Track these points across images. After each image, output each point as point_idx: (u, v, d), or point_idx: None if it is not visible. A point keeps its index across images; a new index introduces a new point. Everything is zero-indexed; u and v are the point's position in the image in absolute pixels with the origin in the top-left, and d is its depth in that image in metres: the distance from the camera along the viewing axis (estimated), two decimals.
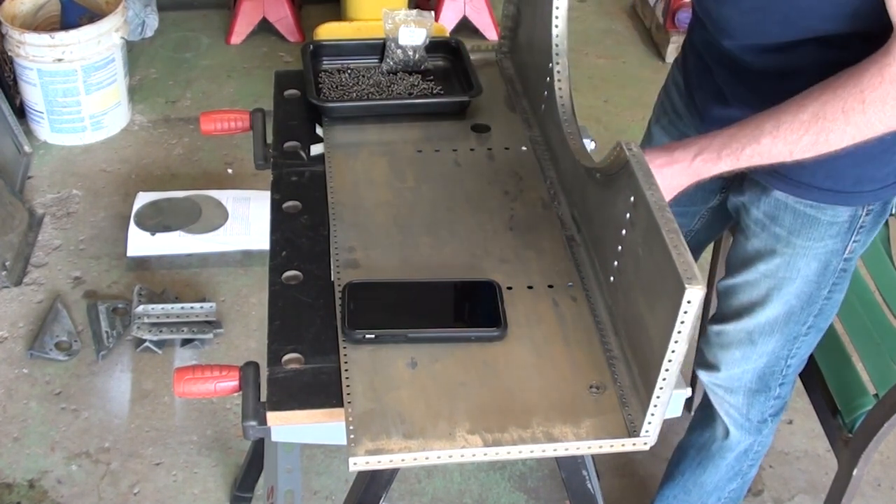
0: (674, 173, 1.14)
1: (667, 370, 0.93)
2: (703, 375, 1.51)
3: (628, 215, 1.01)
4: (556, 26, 1.26)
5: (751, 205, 1.32)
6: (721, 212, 1.47)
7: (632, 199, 1.00)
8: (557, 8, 1.25)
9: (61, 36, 2.71)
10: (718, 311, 1.45)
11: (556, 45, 1.27)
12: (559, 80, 1.28)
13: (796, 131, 1.08)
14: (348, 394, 1.01)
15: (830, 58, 1.12)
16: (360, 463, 0.96)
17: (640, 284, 0.99)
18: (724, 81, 1.28)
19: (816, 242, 1.29)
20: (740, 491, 1.69)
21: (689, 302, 0.86)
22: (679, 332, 0.89)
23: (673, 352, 0.91)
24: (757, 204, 1.31)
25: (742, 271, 1.37)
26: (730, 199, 1.38)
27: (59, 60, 2.72)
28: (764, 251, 1.33)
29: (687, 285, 0.86)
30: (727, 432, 1.56)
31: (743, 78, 1.24)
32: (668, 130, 1.46)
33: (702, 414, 1.63)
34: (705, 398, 1.58)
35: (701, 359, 1.51)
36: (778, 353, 1.43)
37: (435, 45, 1.55)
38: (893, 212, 1.51)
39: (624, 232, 1.04)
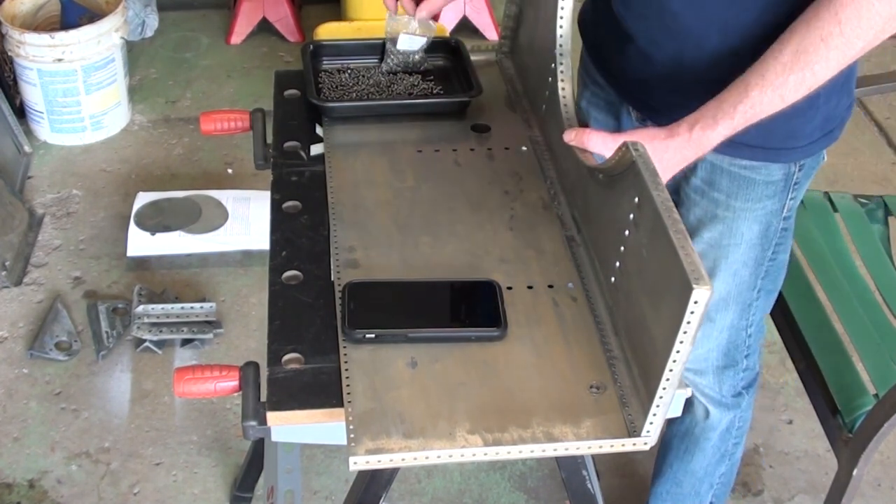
0: (677, 146, 1.14)
1: (670, 370, 0.93)
2: None
3: (632, 216, 1.01)
4: (561, 27, 1.26)
5: (689, 172, 1.33)
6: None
7: (636, 199, 1.00)
8: (563, 8, 1.25)
9: (61, 36, 2.71)
10: None
11: (560, 46, 1.26)
12: (562, 81, 1.28)
13: (781, 74, 1.09)
14: (348, 393, 1.01)
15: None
16: (360, 462, 0.96)
17: (644, 285, 0.99)
18: (657, 47, 1.28)
19: (755, 203, 1.31)
20: (730, 476, 1.70)
21: (695, 302, 0.87)
22: (685, 333, 0.89)
23: (678, 352, 0.91)
24: (693, 171, 1.32)
25: None
26: None
27: (59, 60, 2.72)
28: (705, 218, 1.34)
29: (695, 285, 0.86)
30: (707, 412, 1.57)
31: (670, 32, 1.24)
32: (595, 102, 1.46)
33: None
34: None
35: None
36: (736, 324, 1.44)
37: (435, 45, 1.54)
38: (890, 210, 1.51)
39: (627, 232, 1.04)
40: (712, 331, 1.45)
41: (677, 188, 1.37)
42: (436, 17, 1.53)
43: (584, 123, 1.52)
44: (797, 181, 1.32)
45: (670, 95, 1.27)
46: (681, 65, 1.24)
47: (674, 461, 1.69)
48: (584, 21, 1.45)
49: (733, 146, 1.24)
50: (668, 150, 1.14)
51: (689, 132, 1.14)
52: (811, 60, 1.07)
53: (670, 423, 1.68)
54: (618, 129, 1.44)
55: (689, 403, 1.59)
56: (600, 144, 1.17)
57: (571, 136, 1.20)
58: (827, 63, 1.08)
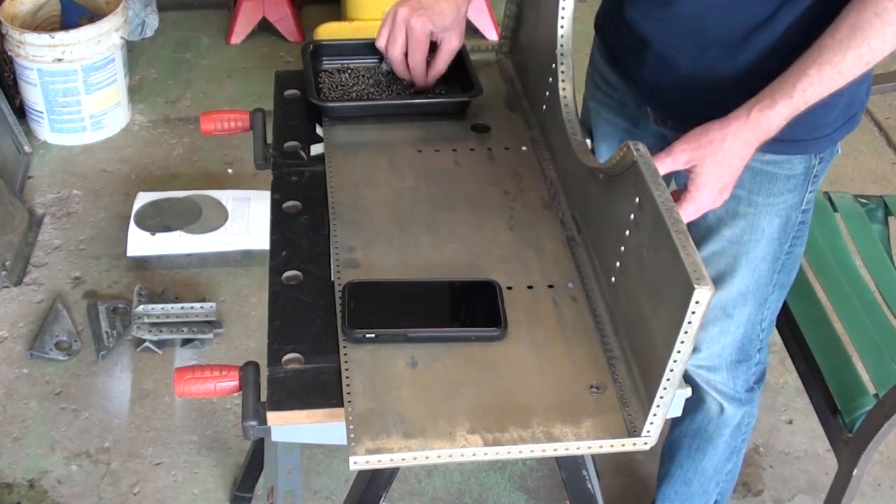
0: (735, 132, 1.12)
1: (671, 370, 0.93)
2: None
3: (633, 216, 1.01)
4: (562, 27, 1.26)
5: None
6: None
7: (637, 199, 1.00)
8: (563, 8, 1.25)
9: (61, 36, 2.71)
10: None
11: (561, 46, 1.26)
12: (563, 81, 1.28)
13: (838, 52, 1.09)
14: (348, 393, 1.01)
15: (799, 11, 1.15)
16: (361, 462, 0.96)
17: (644, 285, 0.99)
18: (677, 52, 1.27)
19: (776, 198, 1.31)
20: (735, 471, 1.71)
21: (697, 302, 0.87)
22: (686, 333, 0.89)
23: (678, 352, 0.91)
24: None
25: (708, 241, 1.38)
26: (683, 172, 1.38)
27: (59, 60, 2.73)
28: (726, 216, 1.34)
29: (696, 286, 0.86)
30: (721, 409, 1.57)
31: (690, 34, 1.24)
32: (606, 102, 1.46)
33: (687, 404, 1.63)
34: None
35: None
36: (752, 318, 1.44)
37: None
38: (890, 210, 1.51)
39: (627, 232, 1.04)
40: (730, 326, 1.44)
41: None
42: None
43: (588, 124, 1.52)
44: (816, 173, 1.32)
45: (695, 95, 1.26)
46: (707, 67, 1.23)
47: (684, 461, 1.68)
48: (600, 24, 1.44)
49: None
50: (725, 138, 1.12)
51: (747, 115, 1.12)
52: (867, 36, 1.08)
53: (678, 424, 1.68)
54: (629, 129, 1.44)
55: (699, 401, 1.60)
56: (693, 209, 1.17)
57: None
58: (883, 38, 1.09)
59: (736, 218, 1.34)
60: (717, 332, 1.45)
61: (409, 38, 1.37)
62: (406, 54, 1.39)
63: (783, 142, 1.24)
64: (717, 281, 1.40)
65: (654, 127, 1.38)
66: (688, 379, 1.57)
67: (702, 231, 1.38)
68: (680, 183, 1.42)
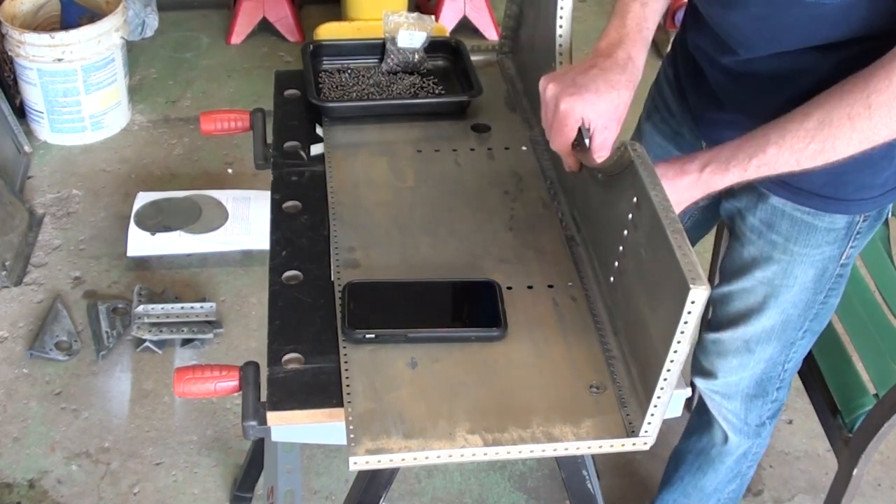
0: (686, 186, 1.12)
1: (668, 370, 0.93)
2: (699, 382, 1.51)
3: (631, 216, 1.01)
4: (561, 26, 1.26)
5: (747, 211, 1.31)
6: (710, 211, 1.46)
7: (635, 199, 1.00)
8: (562, 8, 1.25)
9: (61, 36, 2.71)
10: (714, 319, 1.45)
11: (560, 45, 1.26)
12: None
13: (802, 139, 1.07)
14: (348, 393, 1.01)
15: (830, 60, 1.11)
16: (361, 462, 0.96)
17: (642, 285, 0.99)
18: (719, 86, 1.27)
19: (814, 249, 1.28)
20: (739, 491, 1.69)
21: (692, 302, 0.87)
22: (682, 333, 0.89)
23: (675, 352, 0.91)
24: (753, 211, 1.30)
25: (738, 278, 1.36)
26: (723, 205, 1.37)
27: (59, 60, 2.72)
28: (760, 258, 1.32)
29: (692, 286, 0.86)
30: (726, 437, 1.56)
31: (740, 83, 1.23)
32: (660, 128, 1.44)
33: (699, 419, 1.63)
34: (701, 402, 1.58)
35: (697, 366, 1.50)
36: (775, 359, 1.42)
37: (435, 45, 1.55)
38: (891, 213, 1.51)
39: (626, 232, 1.04)
40: (749, 361, 1.42)
41: (733, 222, 1.35)
42: (436, 16, 1.53)
43: (639, 140, 1.49)
44: (860, 231, 1.28)
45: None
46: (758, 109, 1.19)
47: (685, 475, 1.68)
48: (674, 51, 1.42)
49: (802, 195, 1.23)
50: (675, 189, 1.11)
51: (699, 172, 1.11)
52: (834, 135, 1.06)
53: (687, 437, 1.67)
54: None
55: (708, 424, 1.59)
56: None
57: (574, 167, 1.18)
58: (849, 142, 1.06)
59: (770, 262, 1.31)
60: (736, 364, 1.43)
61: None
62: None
63: (826, 198, 1.22)
64: (744, 316, 1.38)
65: None
66: (702, 403, 1.56)
67: (735, 267, 1.36)
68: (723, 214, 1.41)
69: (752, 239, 1.32)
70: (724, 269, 1.40)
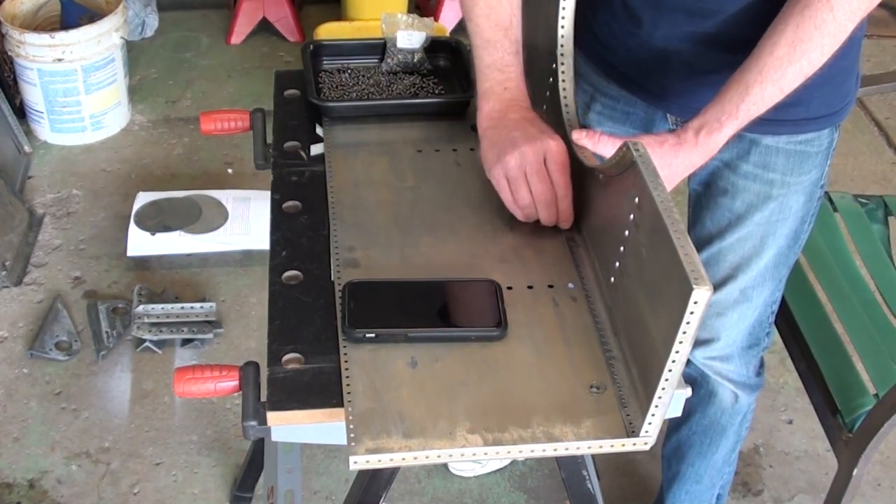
0: (686, 153, 1.15)
1: (670, 371, 0.93)
2: (696, 354, 1.52)
3: (632, 216, 1.01)
4: (562, 27, 1.26)
5: (738, 161, 1.32)
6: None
7: (636, 199, 1.00)
8: (563, 8, 1.25)
9: (61, 36, 2.71)
10: None
11: (562, 46, 1.26)
12: (563, 81, 1.28)
13: (779, 68, 1.10)
14: (348, 393, 1.01)
15: None
16: (361, 462, 0.96)
17: (643, 285, 0.99)
18: (658, 56, 1.27)
19: (805, 176, 1.32)
20: (735, 460, 1.73)
21: (695, 303, 0.87)
22: (684, 333, 0.89)
23: (677, 353, 0.91)
24: (746, 157, 1.32)
25: (734, 230, 1.37)
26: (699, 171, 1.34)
27: (59, 60, 2.73)
28: (757, 201, 1.34)
29: (695, 286, 0.86)
30: (735, 397, 1.57)
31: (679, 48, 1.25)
32: (607, 114, 1.43)
33: (697, 398, 1.62)
34: (693, 381, 1.58)
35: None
36: (767, 299, 1.45)
37: (435, 45, 1.54)
38: (890, 210, 1.51)
39: (627, 233, 1.04)
40: (748, 310, 1.44)
41: (717, 179, 1.36)
42: (436, 16, 1.53)
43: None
44: (835, 146, 1.33)
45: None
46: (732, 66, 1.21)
47: (695, 459, 1.69)
48: (591, 44, 1.39)
49: (796, 124, 1.26)
50: (677, 156, 1.14)
51: (695, 138, 1.14)
52: (807, 49, 1.09)
53: (685, 424, 1.67)
54: (638, 134, 1.42)
55: (711, 395, 1.59)
56: (611, 148, 1.15)
57: (582, 136, 1.19)
58: (822, 49, 1.09)
59: (768, 201, 1.34)
60: (736, 318, 1.45)
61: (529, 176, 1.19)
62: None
63: (819, 118, 1.26)
64: (740, 266, 1.39)
65: (670, 127, 1.37)
66: (696, 375, 1.57)
67: (724, 222, 1.38)
68: (693, 184, 1.42)
69: (747, 185, 1.33)
70: (709, 231, 1.41)
